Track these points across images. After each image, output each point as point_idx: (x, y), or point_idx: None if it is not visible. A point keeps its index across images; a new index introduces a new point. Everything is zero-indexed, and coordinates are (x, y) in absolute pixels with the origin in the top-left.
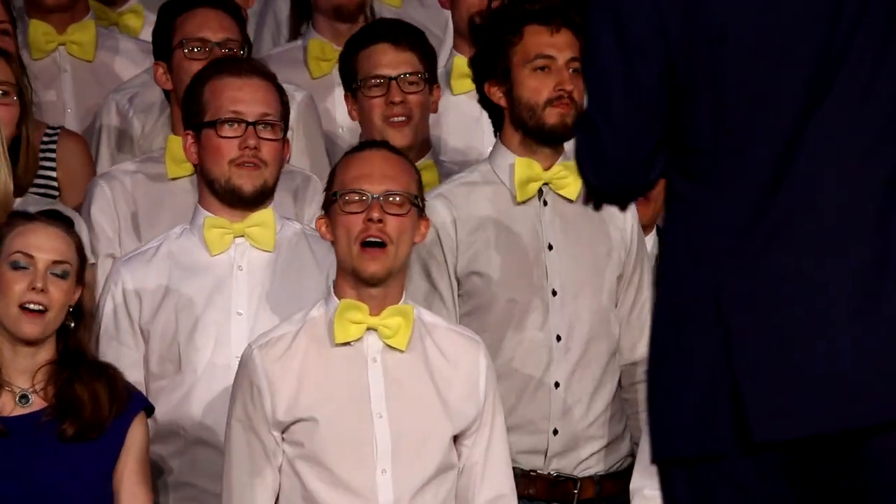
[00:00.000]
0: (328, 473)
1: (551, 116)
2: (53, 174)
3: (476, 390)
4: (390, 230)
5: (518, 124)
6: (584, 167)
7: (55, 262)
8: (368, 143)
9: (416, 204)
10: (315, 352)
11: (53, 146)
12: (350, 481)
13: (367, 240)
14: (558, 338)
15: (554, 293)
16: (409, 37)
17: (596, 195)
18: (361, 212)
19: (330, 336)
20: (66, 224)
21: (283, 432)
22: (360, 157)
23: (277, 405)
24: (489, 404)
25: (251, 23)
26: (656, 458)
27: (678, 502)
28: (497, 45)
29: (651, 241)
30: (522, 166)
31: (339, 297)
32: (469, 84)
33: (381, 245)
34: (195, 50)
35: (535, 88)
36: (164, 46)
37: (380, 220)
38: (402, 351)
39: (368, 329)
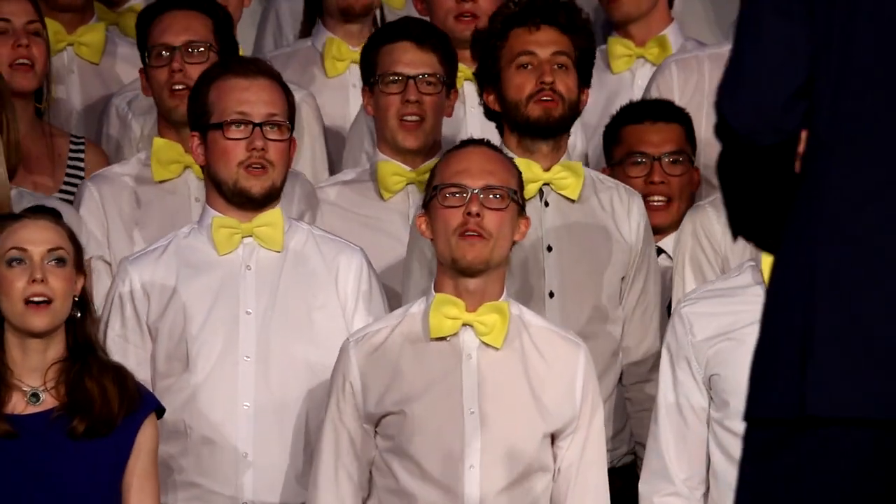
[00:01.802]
0: (417, 467)
1: (534, 110)
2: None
3: (572, 392)
4: (488, 224)
5: (512, 125)
6: (722, 103)
7: (49, 251)
8: (469, 140)
9: (516, 200)
10: (411, 346)
11: (82, 155)
12: (438, 475)
13: (466, 233)
14: None
15: (551, 295)
16: (432, 38)
17: (729, 139)
18: (460, 206)
19: (426, 331)
20: (52, 215)
21: (375, 426)
22: (461, 153)
23: (369, 397)
24: (587, 408)
25: (252, 24)
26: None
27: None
28: (488, 52)
29: (670, 242)
30: (519, 167)
31: (438, 293)
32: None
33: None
34: (162, 55)
35: (519, 85)
36: (142, 55)
37: (478, 214)
38: (497, 348)
39: (465, 325)
